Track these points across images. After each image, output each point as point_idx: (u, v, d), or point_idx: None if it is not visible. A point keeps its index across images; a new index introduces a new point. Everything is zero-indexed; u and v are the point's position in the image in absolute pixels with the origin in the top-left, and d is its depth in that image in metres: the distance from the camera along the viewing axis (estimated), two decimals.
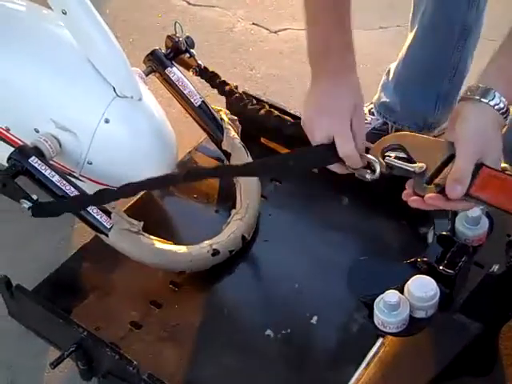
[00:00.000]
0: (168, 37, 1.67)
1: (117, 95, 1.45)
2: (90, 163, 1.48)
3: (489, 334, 1.17)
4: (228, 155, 1.62)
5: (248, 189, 1.56)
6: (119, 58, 1.44)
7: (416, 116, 1.88)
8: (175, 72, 1.65)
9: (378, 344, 1.17)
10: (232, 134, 1.63)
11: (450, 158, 0.97)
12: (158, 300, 1.44)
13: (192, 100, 1.64)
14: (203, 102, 1.65)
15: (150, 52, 1.66)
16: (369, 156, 1.07)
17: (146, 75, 1.65)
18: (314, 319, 1.39)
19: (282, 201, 1.65)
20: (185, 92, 1.64)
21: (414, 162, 1.01)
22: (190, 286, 1.47)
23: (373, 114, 1.92)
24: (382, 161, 1.05)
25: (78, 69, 1.46)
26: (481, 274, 1.18)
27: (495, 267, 1.12)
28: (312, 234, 1.56)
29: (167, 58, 1.66)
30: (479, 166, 0.95)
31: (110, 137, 1.46)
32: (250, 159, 1.61)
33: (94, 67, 1.45)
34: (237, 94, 1.70)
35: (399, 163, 1.03)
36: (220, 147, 1.64)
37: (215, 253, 1.44)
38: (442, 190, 0.96)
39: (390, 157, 1.06)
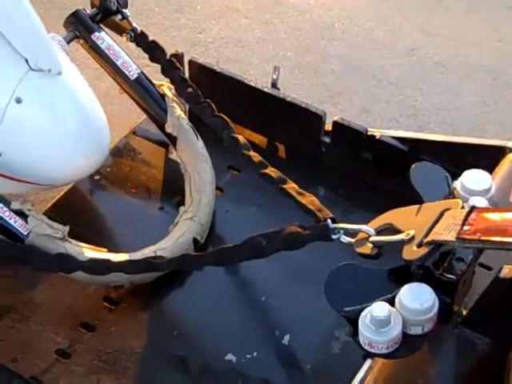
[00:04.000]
0: None
1: (30, 68, 1.40)
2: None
3: (499, 351, 1.16)
4: (173, 139, 1.59)
5: (200, 180, 1.54)
6: (31, 22, 1.39)
7: None
8: (104, 38, 1.62)
9: (365, 368, 1.15)
10: (177, 113, 1.60)
11: (441, 216, 1.05)
12: (89, 322, 1.41)
13: (127, 72, 1.60)
14: (141, 74, 1.62)
15: (71, 13, 1.62)
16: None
17: (68, 42, 1.61)
18: (286, 339, 1.38)
19: (241, 194, 1.63)
20: (117, 63, 1.61)
21: None
22: (130, 303, 1.45)
23: None
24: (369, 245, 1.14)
25: None
26: (488, 278, 1.16)
27: (505, 269, 1.11)
28: None
29: (94, 20, 1.62)
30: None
31: (23, 120, 1.41)
32: (200, 143, 1.58)
33: (1, 34, 1.39)
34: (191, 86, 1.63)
35: (385, 239, 1.11)
36: (163, 130, 1.61)
37: None
38: (435, 247, 1.01)
39: None
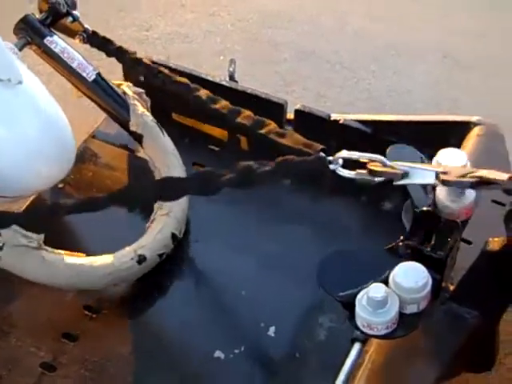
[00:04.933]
0: None
1: None
2: None
3: (488, 323, 1.18)
4: (138, 137, 1.58)
5: (170, 174, 1.52)
6: None
7: None
8: (57, 41, 1.59)
9: (354, 352, 1.16)
10: (141, 111, 1.59)
11: None
12: (71, 332, 1.40)
13: (84, 74, 1.58)
14: (98, 74, 1.60)
15: (20, 19, 1.59)
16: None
17: (20, 49, 1.57)
18: (271, 330, 1.38)
19: None
20: (73, 65, 1.58)
21: None
22: (110, 309, 1.44)
23: None
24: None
25: None
26: (470, 253, 1.18)
27: (492, 243, 1.12)
28: (255, 227, 1.55)
29: (44, 24, 1.59)
30: None
31: None
32: (167, 139, 1.58)
33: None
34: (146, 62, 1.63)
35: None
36: (127, 129, 1.59)
37: (141, 259, 1.41)
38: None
39: None
